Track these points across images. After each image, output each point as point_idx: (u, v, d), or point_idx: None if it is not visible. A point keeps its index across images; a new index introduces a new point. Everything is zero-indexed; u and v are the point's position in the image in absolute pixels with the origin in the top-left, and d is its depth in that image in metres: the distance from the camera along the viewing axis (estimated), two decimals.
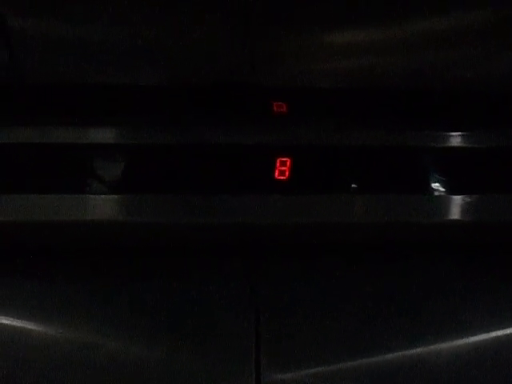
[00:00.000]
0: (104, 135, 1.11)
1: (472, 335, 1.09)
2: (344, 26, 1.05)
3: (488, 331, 1.09)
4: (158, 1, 0.99)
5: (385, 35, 1.06)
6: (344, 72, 1.11)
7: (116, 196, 1.11)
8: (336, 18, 1.04)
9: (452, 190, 1.15)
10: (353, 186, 1.14)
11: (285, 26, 1.03)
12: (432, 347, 1.07)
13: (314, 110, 1.14)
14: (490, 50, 1.09)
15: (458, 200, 1.14)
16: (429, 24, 1.05)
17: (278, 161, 1.12)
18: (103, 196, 1.11)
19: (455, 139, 1.15)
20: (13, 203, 1.08)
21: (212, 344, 1.06)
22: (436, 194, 1.15)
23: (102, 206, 1.11)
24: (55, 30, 1.03)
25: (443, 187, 1.15)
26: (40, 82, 1.11)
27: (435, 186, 1.15)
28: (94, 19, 1.01)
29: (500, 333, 1.09)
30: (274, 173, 1.12)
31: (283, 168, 1.13)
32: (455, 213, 1.14)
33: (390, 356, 1.06)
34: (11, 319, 1.09)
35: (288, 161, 1.13)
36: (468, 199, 1.14)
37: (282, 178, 1.13)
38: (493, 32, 1.06)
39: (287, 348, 1.05)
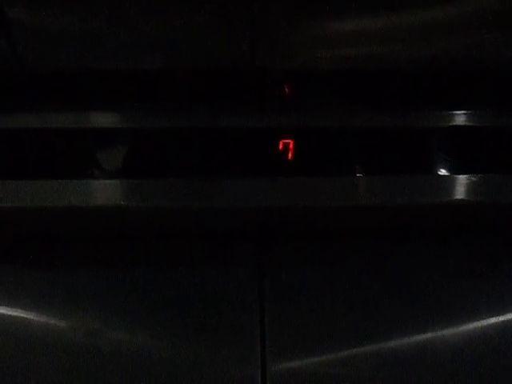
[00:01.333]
0: (105, 120, 1.10)
1: (480, 320, 1.08)
2: (347, 8, 1.02)
3: (496, 315, 1.08)
4: None
5: (388, 20, 1.04)
6: (346, 55, 1.09)
7: (119, 181, 1.09)
8: (339, 1, 1.01)
9: (458, 169, 1.13)
10: (357, 167, 1.11)
11: (286, 9, 1.00)
12: (441, 333, 1.06)
13: (316, 92, 1.12)
14: (492, 34, 1.06)
15: (464, 180, 1.12)
16: (431, 9, 1.02)
17: (280, 143, 1.10)
18: (106, 181, 1.09)
19: (459, 118, 1.13)
20: (15, 189, 1.07)
21: (217, 332, 1.06)
22: (441, 174, 1.13)
23: (104, 191, 1.09)
24: (54, 17, 1.00)
25: (449, 167, 1.13)
26: (40, 69, 1.08)
27: (441, 166, 1.13)
28: (94, 5, 0.98)
29: (505, 317, 1.09)
30: (277, 155, 1.10)
31: (286, 150, 1.11)
32: (461, 193, 1.13)
33: (397, 343, 1.05)
34: (13, 307, 1.08)
35: (291, 143, 1.10)
36: (475, 179, 1.12)
37: (285, 159, 1.11)
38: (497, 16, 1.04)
39: (293, 336, 1.05)
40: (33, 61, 1.07)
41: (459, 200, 1.12)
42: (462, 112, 1.14)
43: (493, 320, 1.08)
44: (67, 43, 1.03)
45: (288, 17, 1.03)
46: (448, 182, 1.13)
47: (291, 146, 1.10)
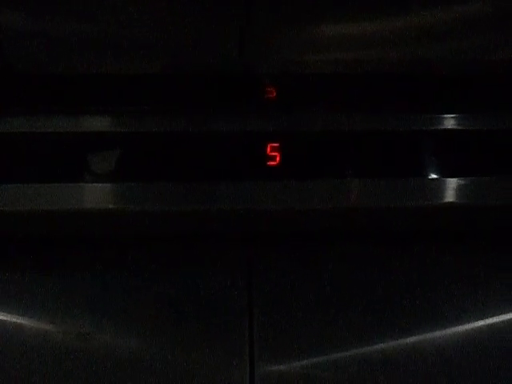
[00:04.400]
0: (98, 124, 1.10)
1: (472, 323, 1.07)
2: (337, 12, 1.03)
3: (488, 319, 1.08)
4: None
5: (378, 23, 1.04)
6: (335, 58, 1.09)
7: (112, 184, 1.10)
8: (329, 4, 1.01)
9: (450, 172, 1.13)
10: (345, 170, 1.11)
11: (275, 12, 1.01)
12: (431, 336, 1.05)
13: (304, 95, 1.12)
14: (486, 37, 1.07)
15: (455, 183, 1.12)
16: (423, 12, 1.03)
17: (268, 146, 1.10)
18: (98, 185, 1.09)
19: (450, 122, 1.13)
20: (7, 193, 1.07)
21: (206, 335, 1.05)
22: (430, 177, 1.13)
23: (98, 194, 1.09)
24: (46, 20, 1.01)
25: (439, 170, 1.13)
26: (32, 73, 1.09)
27: (429, 169, 1.13)
28: (86, 9, 0.99)
29: (500, 320, 1.08)
30: (264, 159, 1.10)
31: (274, 154, 1.11)
32: (453, 196, 1.12)
33: (387, 345, 1.04)
34: (7, 310, 1.08)
35: (278, 146, 1.10)
36: (465, 182, 1.12)
37: (272, 163, 1.11)
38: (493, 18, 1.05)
39: (281, 339, 1.04)
40: (25, 64, 1.07)
41: (450, 203, 1.12)
42: (453, 115, 1.14)
43: (488, 324, 1.08)
44: (58, 47, 1.04)
45: (276, 21, 1.03)
46: (438, 185, 1.13)
47: (279, 149, 1.10)
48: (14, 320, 1.07)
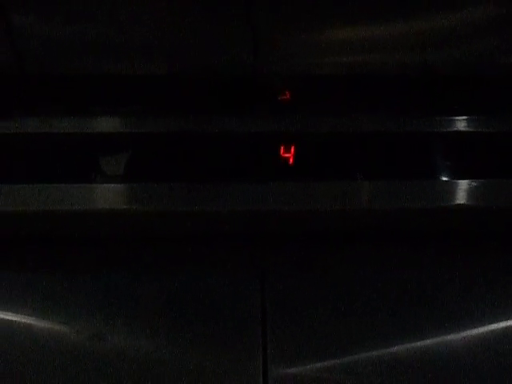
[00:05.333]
0: (107, 124, 1.10)
1: (479, 326, 1.08)
2: (348, 15, 1.03)
3: (495, 322, 1.08)
4: None
5: (389, 27, 1.05)
6: (347, 60, 1.09)
7: (120, 185, 1.09)
8: (340, 7, 1.01)
9: (459, 174, 1.13)
10: (357, 172, 1.11)
11: (288, 15, 1.01)
12: (442, 340, 1.06)
13: (317, 97, 1.12)
14: (491, 40, 1.08)
15: (465, 185, 1.12)
16: (428, 16, 1.04)
17: (281, 148, 1.10)
18: (107, 185, 1.09)
19: (461, 124, 1.13)
20: (17, 193, 1.07)
21: (219, 338, 1.05)
22: (442, 179, 1.13)
23: (106, 195, 1.09)
24: (57, 23, 1.01)
25: (449, 172, 1.13)
26: (42, 74, 1.09)
27: (439, 171, 1.13)
28: (96, 12, 0.98)
29: (507, 323, 1.09)
30: (277, 160, 1.10)
31: (287, 155, 1.10)
32: (462, 198, 1.12)
33: (398, 349, 1.05)
34: (16, 311, 1.08)
35: (292, 148, 1.10)
36: (476, 184, 1.12)
37: (285, 164, 1.10)
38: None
39: (294, 342, 1.04)
40: (35, 66, 1.07)
41: (460, 205, 1.12)
42: (464, 117, 1.14)
43: (493, 327, 1.08)
44: (69, 49, 1.04)
45: (289, 24, 1.03)
46: (447, 187, 1.13)
47: (292, 150, 1.10)
48: (25, 320, 1.07)
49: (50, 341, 1.05)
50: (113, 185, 1.09)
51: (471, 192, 1.12)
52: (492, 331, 1.08)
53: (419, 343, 1.06)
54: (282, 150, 1.10)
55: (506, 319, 1.09)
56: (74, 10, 1.00)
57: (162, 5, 0.99)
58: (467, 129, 1.14)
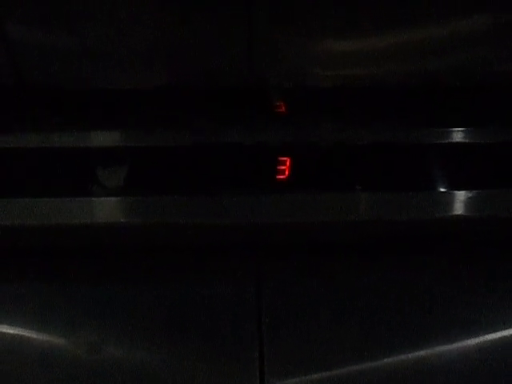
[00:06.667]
0: (106, 138, 1.11)
1: (479, 334, 1.08)
2: (344, 27, 1.03)
3: (495, 330, 1.08)
4: (158, 3, 0.98)
5: (382, 39, 1.06)
6: (342, 72, 1.10)
7: (118, 198, 1.10)
8: (337, 20, 1.02)
9: (456, 185, 1.13)
10: (354, 184, 1.11)
11: (285, 27, 1.01)
12: (439, 350, 1.05)
13: (313, 109, 1.13)
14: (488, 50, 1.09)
15: (462, 196, 1.12)
16: (427, 28, 1.05)
17: (277, 160, 1.11)
18: (105, 199, 1.10)
19: (458, 135, 1.14)
20: (15, 207, 1.07)
21: (215, 349, 1.05)
22: (438, 190, 1.13)
23: (105, 208, 1.10)
24: (56, 35, 1.02)
25: (445, 183, 1.13)
26: (41, 88, 1.10)
27: (436, 182, 1.13)
28: (94, 24, 0.99)
29: (506, 331, 1.08)
30: (274, 172, 1.11)
31: (283, 167, 1.11)
32: (460, 208, 1.12)
33: (397, 360, 1.05)
34: (10, 323, 1.09)
35: (287, 160, 1.11)
36: (473, 195, 1.12)
37: (281, 177, 1.11)
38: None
39: (291, 353, 1.04)
40: (34, 79, 1.08)
41: (458, 215, 1.12)
42: (461, 129, 1.14)
43: (493, 334, 1.08)
44: (67, 62, 1.05)
45: (286, 35, 1.04)
46: (446, 198, 1.13)
47: (288, 163, 1.11)
48: (20, 331, 1.08)
49: (47, 352, 1.06)
50: (110, 198, 1.10)
51: (469, 203, 1.12)
52: (489, 341, 1.08)
53: (415, 354, 1.06)
54: (278, 163, 1.11)
55: (505, 325, 1.09)
56: (71, 20, 1.01)
57: (160, 15, 1.00)
58: (465, 140, 1.14)
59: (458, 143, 1.14)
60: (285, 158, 1.11)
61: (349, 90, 1.12)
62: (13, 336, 1.08)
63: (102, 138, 1.11)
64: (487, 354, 1.07)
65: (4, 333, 1.09)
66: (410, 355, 1.06)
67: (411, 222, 1.12)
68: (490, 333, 1.08)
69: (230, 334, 1.07)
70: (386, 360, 1.05)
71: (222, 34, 1.03)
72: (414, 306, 1.11)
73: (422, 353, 1.06)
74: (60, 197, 1.08)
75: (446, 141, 1.14)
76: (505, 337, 1.09)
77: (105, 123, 1.12)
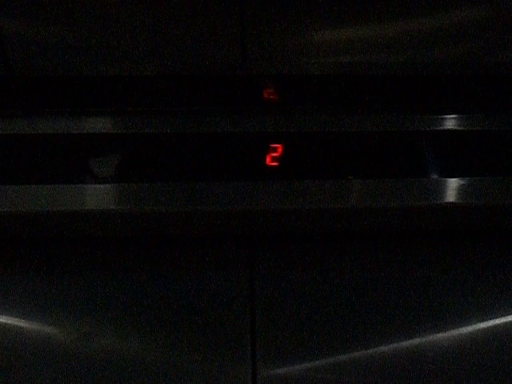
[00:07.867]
0: (99, 125, 1.10)
1: (472, 324, 1.07)
2: (336, 17, 1.03)
3: (489, 319, 1.08)
4: None
5: (379, 27, 1.05)
6: (334, 60, 1.10)
7: (110, 185, 1.09)
8: (329, 8, 1.01)
9: (449, 173, 1.12)
10: (346, 171, 1.11)
11: (276, 16, 1.01)
12: (432, 338, 1.05)
13: (305, 97, 1.12)
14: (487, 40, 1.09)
15: (455, 183, 1.12)
16: (422, 17, 1.05)
17: (269, 147, 1.10)
18: (97, 186, 1.09)
19: (451, 122, 1.13)
20: (9, 194, 1.07)
21: (208, 339, 1.05)
22: (431, 177, 1.13)
23: (96, 195, 1.09)
24: (47, 25, 1.01)
25: (440, 171, 1.13)
26: (34, 75, 1.09)
27: (430, 169, 1.13)
28: (86, 13, 0.99)
29: (500, 320, 1.08)
30: (266, 160, 1.10)
31: (275, 154, 1.10)
32: (453, 196, 1.12)
33: (389, 348, 1.04)
34: (2, 311, 1.08)
35: (280, 147, 1.10)
36: (466, 182, 1.12)
37: (274, 164, 1.10)
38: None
39: (283, 342, 1.04)
40: (26, 68, 1.07)
41: (451, 203, 1.12)
42: (454, 116, 1.14)
43: (486, 324, 1.08)
44: (59, 50, 1.04)
45: (278, 24, 1.03)
46: (439, 185, 1.12)
47: (280, 150, 1.10)
48: (14, 320, 1.07)
49: (38, 341, 1.06)
50: (101, 185, 1.09)
51: (462, 190, 1.12)
52: (486, 330, 1.08)
53: (407, 343, 1.06)
54: (270, 150, 1.10)
55: (500, 317, 1.09)
56: (62, 12, 1.00)
57: (154, 8, 0.99)
58: (458, 127, 1.14)
59: (450, 130, 1.14)
60: (277, 145, 1.10)
61: (341, 78, 1.12)
62: (3, 325, 1.07)
63: (94, 125, 1.11)
64: (482, 343, 1.07)
65: None
66: (403, 343, 1.05)
67: (404, 210, 1.11)
68: (484, 321, 1.08)
69: (222, 323, 1.06)
70: (379, 349, 1.04)
71: (214, 23, 1.02)
72: (408, 293, 1.11)
73: (415, 341, 1.05)
74: (51, 184, 1.08)
75: (439, 128, 1.13)
76: (499, 325, 1.09)
77: (96, 110, 1.11)
